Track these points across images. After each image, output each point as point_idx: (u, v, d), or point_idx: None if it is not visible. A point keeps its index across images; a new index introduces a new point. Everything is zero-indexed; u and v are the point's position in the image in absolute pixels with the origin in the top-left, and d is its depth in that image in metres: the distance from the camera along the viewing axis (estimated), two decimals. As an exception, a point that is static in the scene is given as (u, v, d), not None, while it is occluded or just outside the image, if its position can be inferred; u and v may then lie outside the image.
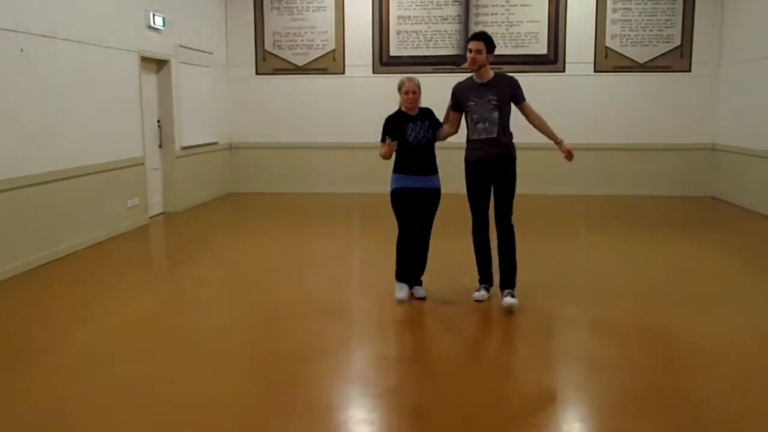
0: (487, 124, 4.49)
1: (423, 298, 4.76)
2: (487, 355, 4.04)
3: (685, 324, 4.39)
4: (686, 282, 5.46)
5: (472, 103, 4.53)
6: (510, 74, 4.74)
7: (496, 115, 4.48)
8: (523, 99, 4.60)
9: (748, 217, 8.27)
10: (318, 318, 4.53)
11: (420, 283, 4.84)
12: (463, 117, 4.67)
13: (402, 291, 4.69)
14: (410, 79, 4.62)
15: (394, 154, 4.62)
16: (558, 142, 4.58)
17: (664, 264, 6.05)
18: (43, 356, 3.81)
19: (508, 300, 4.52)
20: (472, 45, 4.49)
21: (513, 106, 4.59)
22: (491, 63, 4.58)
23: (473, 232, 4.72)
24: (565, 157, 4.58)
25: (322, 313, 4.64)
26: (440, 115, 4.77)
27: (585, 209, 9.09)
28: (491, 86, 4.53)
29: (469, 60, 4.51)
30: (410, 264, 4.70)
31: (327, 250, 6.72)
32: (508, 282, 4.62)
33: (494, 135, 4.49)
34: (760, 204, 8.38)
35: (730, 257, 6.25)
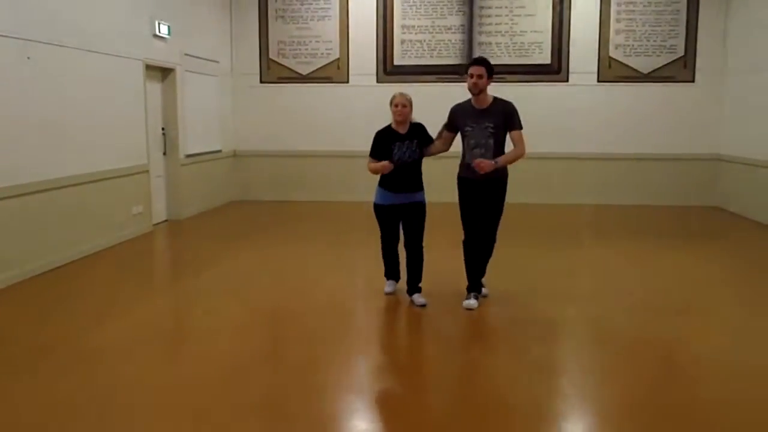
0: (483, 150, 4.60)
1: (424, 305, 4.85)
2: (489, 364, 4.03)
3: (686, 335, 4.37)
4: (689, 293, 5.45)
5: (469, 128, 4.64)
6: (509, 100, 4.73)
7: (491, 141, 4.60)
8: (518, 127, 4.62)
9: (753, 228, 8.25)
10: (320, 327, 4.53)
11: (419, 290, 4.94)
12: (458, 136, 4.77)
13: (389, 286, 5.18)
14: (402, 94, 4.78)
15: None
16: (494, 162, 4.50)
17: (666, 275, 6.04)
18: (46, 361, 3.83)
19: (471, 302, 4.78)
20: (473, 70, 4.58)
21: None
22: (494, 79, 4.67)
23: (465, 243, 4.86)
24: (475, 164, 4.47)
25: (324, 322, 4.64)
26: (435, 130, 4.84)
27: (588, 219, 9.06)
28: (489, 113, 4.62)
29: (470, 84, 4.61)
30: (394, 267, 5.15)
31: (330, 258, 6.72)
32: (476, 286, 4.87)
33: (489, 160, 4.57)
34: (766, 214, 8.37)
35: (733, 268, 6.23)
